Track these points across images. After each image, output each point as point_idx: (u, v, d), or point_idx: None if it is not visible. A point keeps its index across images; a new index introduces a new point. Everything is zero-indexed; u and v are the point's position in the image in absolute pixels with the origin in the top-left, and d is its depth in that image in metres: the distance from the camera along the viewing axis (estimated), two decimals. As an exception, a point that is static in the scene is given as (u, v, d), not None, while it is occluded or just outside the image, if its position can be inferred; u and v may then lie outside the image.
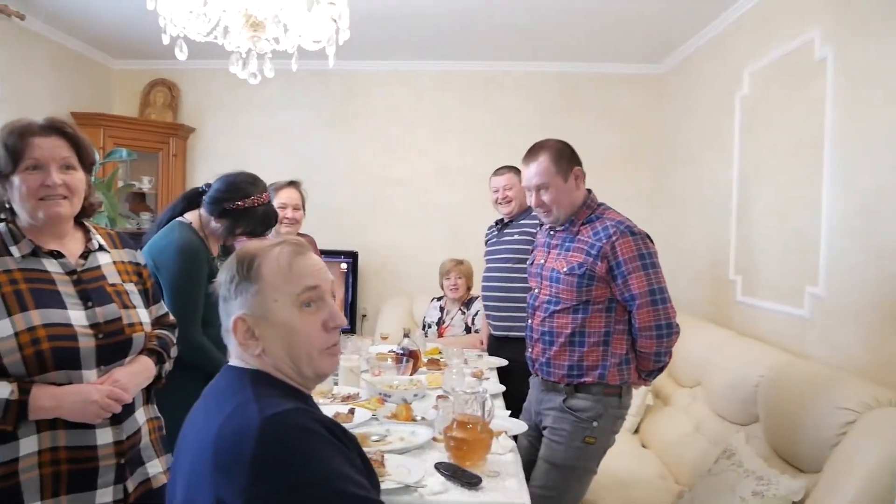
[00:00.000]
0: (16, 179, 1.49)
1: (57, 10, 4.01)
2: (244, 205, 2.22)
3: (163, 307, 1.81)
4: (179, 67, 4.91)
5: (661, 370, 2.29)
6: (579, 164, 2.30)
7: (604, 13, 3.80)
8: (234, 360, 1.21)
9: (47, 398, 1.42)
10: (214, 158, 5.06)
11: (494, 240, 3.40)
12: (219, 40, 2.37)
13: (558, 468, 2.20)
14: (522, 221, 3.29)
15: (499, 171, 3.36)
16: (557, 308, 2.23)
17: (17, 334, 1.41)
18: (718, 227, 3.73)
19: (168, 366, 1.72)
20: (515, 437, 2.13)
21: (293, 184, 3.02)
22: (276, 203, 2.87)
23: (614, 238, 2.15)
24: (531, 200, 2.30)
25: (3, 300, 1.44)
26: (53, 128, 1.54)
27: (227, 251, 2.43)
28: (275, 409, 1.04)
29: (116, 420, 1.52)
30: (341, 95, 4.99)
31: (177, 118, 5.07)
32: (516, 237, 3.26)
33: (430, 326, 3.88)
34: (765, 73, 3.23)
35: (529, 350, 2.38)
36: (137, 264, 1.74)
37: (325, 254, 4.31)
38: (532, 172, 2.26)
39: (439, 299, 3.95)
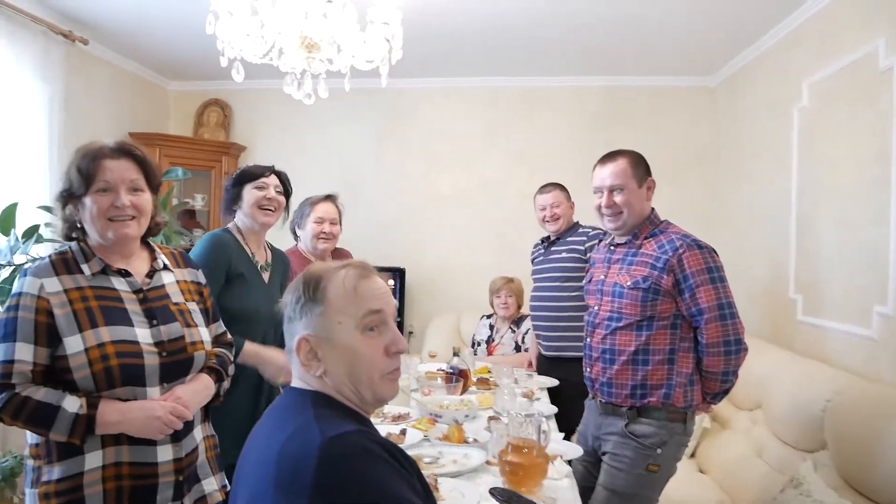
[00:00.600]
0: (87, 200, 1.55)
1: (117, 35, 4.15)
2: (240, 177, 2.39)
3: (221, 326, 1.84)
4: (232, 88, 5.03)
5: (726, 392, 2.20)
6: (651, 175, 2.27)
7: (652, 26, 3.74)
8: (296, 380, 1.21)
9: (114, 413, 1.46)
10: (265, 176, 5.15)
11: (541, 258, 3.35)
12: (274, 61, 2.41)
13: (619, 496, 2.13)
14: (569, 239, 3.24)
15: (544, 189, 3.32)
16: (620, 325, 2.17)
17: (87, 350, 1.47)
18: (777, 243, 3.60)
19: (226, 384, 1.76)
20: (569, 462, 2.08)
21: (329, 198, 2.96)
22: (312, 217, 2.86)
23: (681, 251, 2.09)
24: (602, 201, 2.23)
25: (75, 316, 1.49)
26: (123, 151, 1.60)
27: (280, 262, 2.47)
28: (336, 430, 1.04)
29: (176, 437, 1.55)
30: (390, 112, 5.03)
31: (229, 137, 5.18)
32: (564, 255, 3.21)
33: (479, 344, 3.84)
34: (826, 85, 3.12)
35: (588, 370, 2.32)
36: (199, 283, 1.79)
37: (373, 270, 4.31)
38: (608, 172, 2.22)
39: (489, 317, 3.91)
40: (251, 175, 2.38)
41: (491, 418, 2.33)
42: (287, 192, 2.49)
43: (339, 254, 3.04)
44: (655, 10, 3.50)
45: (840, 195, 2.96)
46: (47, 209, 3.09)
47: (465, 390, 2.76)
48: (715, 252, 2.14)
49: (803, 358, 2.98)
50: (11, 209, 2.90)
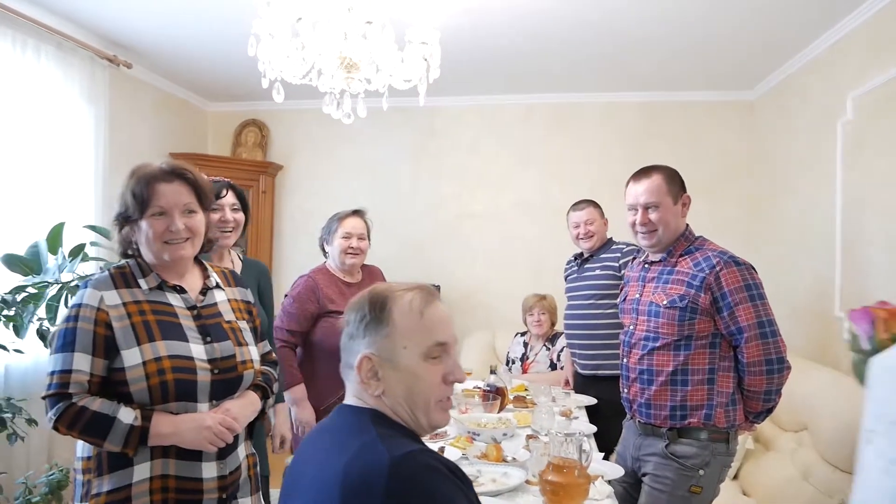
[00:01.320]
0: (143, 224, 1.58)
1: (159, 59, 4.27)
2: None
3: (267, 345, 1.87)
4: (268, 108, 5.15)
5: (770, 411, 2.13)
6: (686, 191, 2.23)
7: (689, 41, 3.71)
8: (351, 398, 1.22)
9: (166, 425, 1.49)
10: (302, 194, 5.23)
11: (575, 275, 3.32)
12: (313, 82, 2.44)
13: (661, 518, 2.08)
14: (603, 255, 3.20)
15: (578, 206, 3.29)
16: (657, 345, 2.13)
17: (144, 363, 1.49)
18: (821, 260, 3.52)
19: (271, 401, 1.78)
20: (609, 482, 2.04)
21: (357, 213, 2.92)
22: (339, 233, 2.84)
23: (718, 268, 2.04)
24: (636, 219, 2.20)
25: (133, 329, 1.52)
26: (175, 174, 1.63)
27: (252, 271, 2.53)
28: (403, 449, 1.05)
29: (221, 455, 1.58)
30: (424, 130, 5.06)
31: (266, 156, 5.27)
32: (598, 272, 3.17)
33: (513, 362, 3.81)
34: (871, 98, 3.05)
35: (625, 390, 2.27)
36: (248, 302, 1.82)
37: (408, 287, 4.33)
38: (642, 189, 2.18)
39: (523, 334, 3.88)
40: None
41: (529, 437, 2.31)
42: (245, 207, 2.48)
43: (368, 271, 3.03)
44: (692, 25, 3.48)
45: (887, 210, 2.88)
46: (93, 228, 3.17)
47: (502, 408, 2.74)
48: (753, 269, 2.09)
49: (851, 377, 2.89)
50: (59, 228, 2.98)
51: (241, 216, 2.44)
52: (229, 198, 2.41)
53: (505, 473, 1.94)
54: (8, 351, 2.60)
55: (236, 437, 1.62)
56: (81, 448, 1.56)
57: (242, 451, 1.69)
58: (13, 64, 3.26)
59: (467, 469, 1.98)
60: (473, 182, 5.01)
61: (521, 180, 4.95)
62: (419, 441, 1.18)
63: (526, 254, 4.89)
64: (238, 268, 2.52)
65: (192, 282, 1.70)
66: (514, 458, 2.10)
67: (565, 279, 3.41)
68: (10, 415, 2.53)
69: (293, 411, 2.70)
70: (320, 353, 2.75)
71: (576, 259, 3.37)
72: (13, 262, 2.83)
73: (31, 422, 2.63)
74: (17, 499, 2.68)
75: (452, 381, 1.22)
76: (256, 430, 1.85)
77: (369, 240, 2.94)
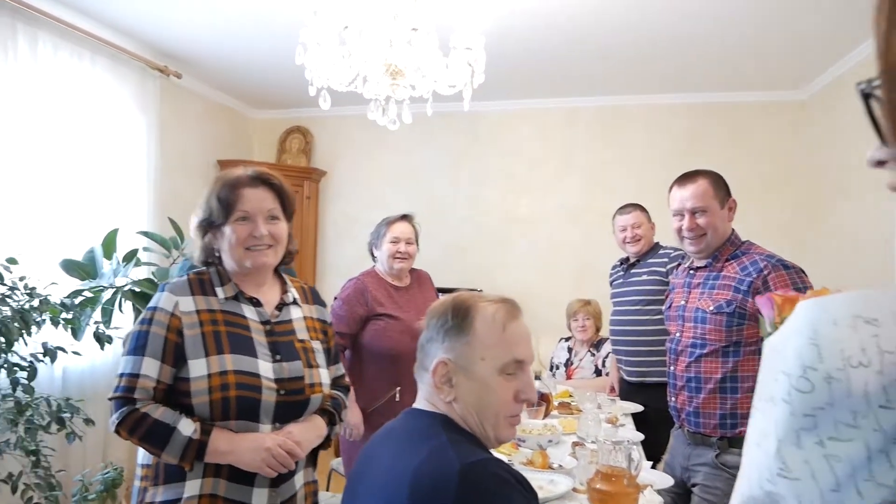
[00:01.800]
0: (227, 229, 1.57)
1: (207, 69, 4.38)
2: None
3: (341, 368, 1.81)
4: (312, 115, 5.22)
5: None
6: (731, 195, 2.19)
7: (737, 38, 3.63)
8: (421, 401, 1.24)
9: (225, 442, 1.44)
10: (345, 199, 5.29)
11: (620, 280, 3.27)
12: (358, 89, 2.47)
13: (712, 529, 2.03)
14: (650, 260, 3.15)
15: (624, 209, 3.25)
16: (704, 351, 2.08)
17: (209, 376, 1.46)
18: (878, 266, 3.40)
19: (338, 428, 1.71)
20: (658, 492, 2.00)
21: (405, 217, 2.93)
22: (388, 237, 2.86)
23: (766, 272, 1.99)
24: (683, 224, 2.15)
25: (203, 339, 1.49)
26: (261, 179, 1.61)
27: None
28: (473, 457, 1.06)
29: (275, 482, 1.51)
30: (467, 135, 5.07)
31: (310, 162, 5.35)
32: (644, 277, 3.12)
33: (557, 368, 3.78)
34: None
35: (673, 399, 2.23)
36: (324, 322, 1.76)
37: (450, 291, 4.33)
38: (689, 194, 2.14)
39: (567, 340, 3.85)
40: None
41: (575, 444, 2.28)
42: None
43: (417, 275, 3.05)
44: (740, 23, 3.41)
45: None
46: (145, 234, 3.26)
47: (547, 415, 2.72)
48: (803, 272, 2.03)
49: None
50: (113, 235, 3.07)
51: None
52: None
53: (551, 481, 1.92)
54: (66, 353, 2.69)
55: (295, 464, 1.53)
56: (142, 455, 1.54)
57: (301, 478, 1.59)
58: (71, 75, 3.38)
59: (513, 476, 1.97)
60: (517, 186, 4.99)
61: (564, 184, 4.91)
62: (487, 450, 1.18)
63: (570, 258, 4.85)
64: None
65: (270, 295, 1.65)
66: (560, 466, 2.08)
67: (611, 284, 3.37)
68: (68, 414, 2.61)
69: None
70: (368, 355, 2.77)
71: (622, 264, 3.33)
72: (71, 267, 2.93)
73: (88, 421, 2.72)
74: (74, 496, 2.77)
75: (524, 400, 1.22)
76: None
77: (418, 244, 2.95)
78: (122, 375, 1.47)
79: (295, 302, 1.68)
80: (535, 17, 3.37)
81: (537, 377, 2.87)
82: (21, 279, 2.56)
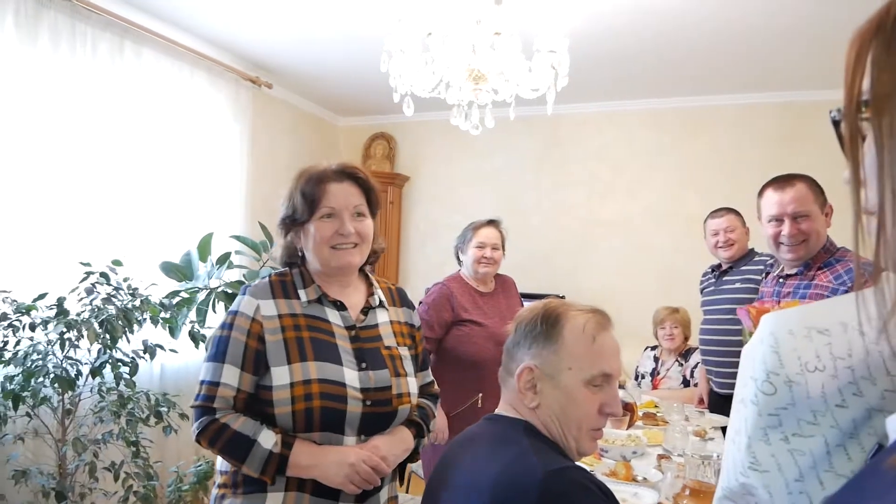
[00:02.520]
0: (311, 227, 1.48)
1: (295, 79, 4.54)
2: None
3: (429, 375, 1.70)
4: (396, 121, 5.31)
5: None
6: (828, 200, 2.07)
7: (834, 28, 3.42)
8: (505, 406, 1.24)
9: (307, 456, 1.36)
10: (427, 204, 5.35)
11: (712, 288, 3.14)
12: (441, 94, 2.49)
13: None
14: (744, 267, 3.01)
15: (717, 213, 3.12)
16: None
17: (292, 385, 1.38)
18: None
19: (426, 440, 1.60)
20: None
21: (492, 223, 2.93)
22: (474, 242, 2.86)
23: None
24: (783, 230, 2.05)
25: (286, 346, 1.41)
26: (346, 174, 1.52)
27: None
28: (557, 464, 1.05)
29: (361, 498, 1.42)
30: (549, 139, 5.01)
31: (394, 168, 5.44)
32: (738, 285, 2.98)
33: (643, 377, 3.68)
34: None
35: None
36: (412, 326, 1.65)
37: (532, 297, 4.30)
38: (789, 198, 2.04)
39: (653, 349, 3.74)
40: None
41: (661, 457, 2.21)
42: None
43: (502, 280, 3.04)
44: (841, 18, 3.21)
45: None
46: (238, 238, 3.41)
47: (631, 425, 2.64)
48: None
49: None
50: (208, 238, 3.23)
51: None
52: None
53: (636, 494, 1.86)
54: (164, 351, 2.84)
55: (382, 479, 1.44)
56: (220, 460, 1.48)
57: (385, 493, 1.50)
58: (172, 87, 3.58)
59: (596, 487, 1.93)
60: (600, 189, 4.89)
61: (651, 187, 4.76)
62: (568, 458, 1.17)
63: (656, 263, 4.70)
64: None
65: (355, 298, 1.56)
66: (644, 479, 2.01)
67: (701, 292, 3.24)
68: (165, 409, 2.76)
69: None
70: (451, 360, 2.78)
71: (713, 270, 3.20)
72: (169, 269, 3.10)
73: (183, 416, 2.86)
74: (169, 486, 2.92)
75: (608, 414, 1.20)
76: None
77: (504, 250, 2.94)
78: (203, 383, 1.41)
79: (381, 305, 1.59)
80: (616, 17, 3.28)
81: (621, 386, 2.79)
82: (125, 280, 2.72)
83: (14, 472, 2.35)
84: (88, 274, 2.55)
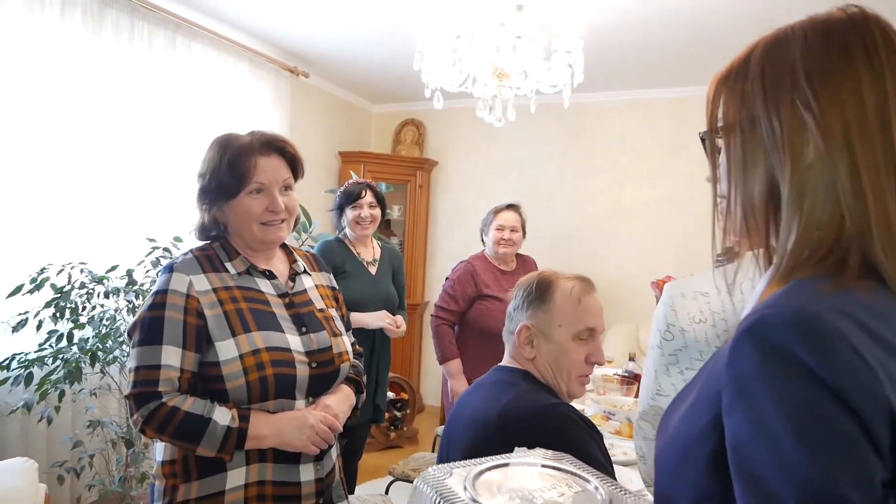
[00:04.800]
0: (238, 202, 1.43)
1: (332, 68, 4.79)
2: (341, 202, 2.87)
3: (351, 335, 1.69)
4: (426, 108, 5.53)
5: None
6: None
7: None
8: (507, 359, 1.49)
9: (265, 425, 1.34)
10: (455, 188, 5.58)
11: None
12: (468, 89, 2.73)
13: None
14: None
15: None
16: None
17: (241, 356, 1.34)
18: None
19: (363, 396, 1.62)
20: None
21: (512, 206, 3.20)
22: (494, 224, 3.13)
23: None
24: None
25: (227, 318, 1.37)
26: (274, 147, 1.48)
27: (388, 255, 3.00)
28: (549, 401, 1.31)
29: (318, 456, 1.45)
30: (573, 126, 5.19)
31: (423, 153, 5.67)
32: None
33: (655, 353, 3.89)
34: None
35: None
36: (334, 288, 1.67)
37: (553, 278, 4.51)
38: None
39: (666, 326, 3.94)
40: (348, 197, 2.85)
41: (663, 420, 2.44)
42: (381, 202, 2.92)
43: (522, 260, 3.28)
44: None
45: None
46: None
47: (637, 394, 2.87)
48: None
49: None
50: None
51: (377, 212, 2.90)
52: (368, 197, 2.87)
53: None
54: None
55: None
56: (161, 451, 1.41)
57: (334, 450, 1.53)
58: (218, 78, 3.85)
59: (601, 441, 2.17)
60: (621, 176, 5.07)
61: (672, 174, 4.92)
62: (559, 398, 1.42)
63: (675, 248, 4.88)
64: (378, 253, 2.96)
65: (280, 267, 1.54)
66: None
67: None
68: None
69: (450, 382, 3.02)
70: (472, 332, 3.05)
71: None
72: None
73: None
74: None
75: (593, 363, 1.44)
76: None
77: (524, 232, 3.19)
78: (137, 369, 1.32)
79: (305, 271, 1.59)
80: (640, 8, 3.43)
81: (631, 359, 3.03)
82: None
83: (90, 422, 2.67)
84: (154, 248, 2.86)
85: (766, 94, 0.68)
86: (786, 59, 0.68)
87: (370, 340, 2.81)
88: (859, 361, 0.54)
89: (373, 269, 2.89)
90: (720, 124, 0.74)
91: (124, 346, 2.63)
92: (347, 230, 2.89)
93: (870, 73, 0.64)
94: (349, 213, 2.85)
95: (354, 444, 2.86)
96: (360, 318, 2.71)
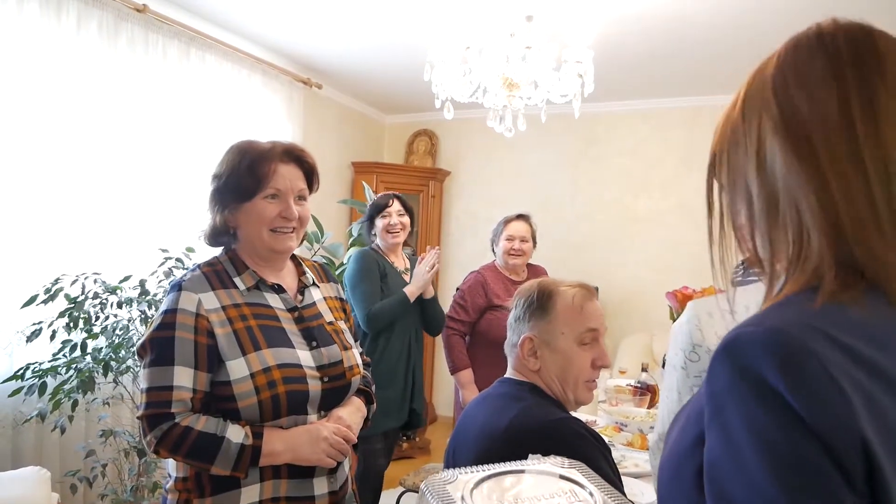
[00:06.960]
0: (252, 206, 1.42)
1: (345, 79, 4.82)
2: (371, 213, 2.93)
3: (359, 346, 1.68)
4: (438, 119, 5.53)
5: None
6: None
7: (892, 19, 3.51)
8: (511, 371, 1.47)
9: (279, 441, 1.33)
10: (467, 198, 5.58)
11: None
12: (479, 100, 2.73)
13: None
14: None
15: None
16: None
17: (252, 375, 1.33)
18: None
19: (374, 407, 1.62)
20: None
21: (522, 217, 3.21)
22: (504, 235, 3.13)
23: None
24: None
25: (237, 337, 1.36)
26: (293, 156, 1.48)
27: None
28: (555, 415, 1.30)
29: (332, 470, 1.44)
30: (585, 136, 5.18)
31: (436, 163, 5.69)
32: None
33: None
34: None
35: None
36: (342, 300, 1.66)
37: (565, 288, 4.49)
38: None
39: (680, 337, 3.90)
40: (377, 208, 2.90)
41: (676, 432, 2.41)
42: (410, 213, 2.95)
43: (533, 270, 3.27)
44: (869, 16, 3.31)
45: None
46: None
47: (651, 405, 2.84)
48: None
49: None
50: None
51: (406, 220, 2.93)
52: (395, 205, 2.91)
53: (647, 460, 2.08)
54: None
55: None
56: (173, 467, 1.40)
57: (347, 462, 1.51)
58: (232, 90, 3.89)
59: (613, 453, 2.14)
60: (635, 187, 5.05)
61: (685, 184, 4.89)
62: (567, 411, 1.40)
63: (688, 258, 4.83)
64: (408, 263, 2.98)
65: (289, 279, 1.53)
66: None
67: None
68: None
69: (461, 393, 3.01)
70: (483, 342, 3.04)
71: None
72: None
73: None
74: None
75: (599, 366, 1.43)
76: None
77: (534, 242, 3.19)
78: (150, 390, 1.31)
79: (314, 283, 1.57)
80: (655, 18, 3.42)
81: (644, 369, 3.00)
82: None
83: (102, 432, 2.69)
84: (166, 259, 2.87)
85: (744, 116, 0.69)
86: (762, 79, 0.71)
87: (406, 345, 2.83)
88: (831, 386, 0.52)
89: (406, 278, 2.92)
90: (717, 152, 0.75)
91: (138, 357, 2.63)
92: (379, 240, 2.92)
93: (834, 78, 0.65)
94: (379, 223, 2.89)
95: (382, 455, 2.84)
96: (412, 291, 2.80)
